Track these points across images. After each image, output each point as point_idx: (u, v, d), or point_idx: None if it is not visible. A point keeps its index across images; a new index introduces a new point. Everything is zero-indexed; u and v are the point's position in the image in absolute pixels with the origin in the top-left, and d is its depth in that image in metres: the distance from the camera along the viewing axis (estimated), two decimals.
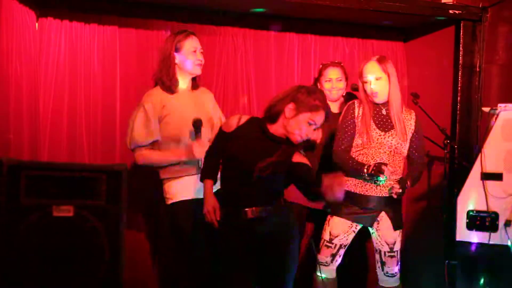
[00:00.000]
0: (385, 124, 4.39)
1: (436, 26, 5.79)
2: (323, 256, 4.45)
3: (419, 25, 5.88)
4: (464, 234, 4.72)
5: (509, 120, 4.63)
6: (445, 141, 5.14)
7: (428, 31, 5.90)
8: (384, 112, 4.40)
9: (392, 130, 4.36)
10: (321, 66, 5.21)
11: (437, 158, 5.61)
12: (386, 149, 4.36)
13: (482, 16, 5.55)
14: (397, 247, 4.41)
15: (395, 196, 4.30)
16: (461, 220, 4.74)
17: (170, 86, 4.38)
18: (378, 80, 4.34)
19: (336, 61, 5.24)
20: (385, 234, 4.39)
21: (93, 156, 5.13)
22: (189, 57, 4.40)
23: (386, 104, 4.41)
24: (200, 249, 4.30)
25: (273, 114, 3.71)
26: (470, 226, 4.70)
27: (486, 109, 4.90)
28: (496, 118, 4.68)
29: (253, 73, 5.60)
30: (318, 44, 5.85)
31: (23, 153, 4.67)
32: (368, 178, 4.29)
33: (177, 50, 4.39)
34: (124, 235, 3.57)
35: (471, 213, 4.70)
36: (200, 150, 4.15)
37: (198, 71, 4.46)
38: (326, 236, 4.44)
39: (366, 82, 4.37)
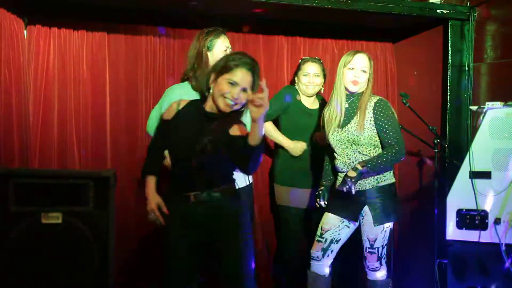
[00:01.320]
0: (342, 120, 4.40)
1: (425, 26, 5.82)
2: (314, 250, 4.47)
3: (408, 25, 5.90)
4: (454, 232, 4.74)
5: (496, 118, 4.65)
6: (435, 140, 5.17)
7: (417, 31, 5.93)
8: (346, 105, 4.43)
9: (348, 125, 4.38)
10: (300, 60, 5.25)
11: (427, 157, 5.63)
12: (346, 144, 4.38)
13: (470, 15, 5.57)
14: (378, 244, 4.36)
15: (344, 190, 4.24)
16: (451, 219, 4.76)
17: (203, 83, 4.36)
18: (362, 73, 4.37)
19: (316, 58, 5.29)
20: (367, 230, 4.37)
21: (84, 162, 5.14)
22: (220, 56, 4.30)
23: (352, 96, 4.42)
24: None
25: (202, 92, 3.66)
26: (460, 224, 4.72)
27: (473, 108, 4.92)
28: (483, 117, 4.70)
29: None
30: (307, 46, 5.87)
31: (14, 160, 4.67)
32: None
33: (209, 49, 4.39)
34: (113, 240, 3.57)
35: (461, 211, 4.72)
36: None
37: None
38: (318, 231, 4.47)
39: (351, 69, 4.37)
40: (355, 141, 4.34)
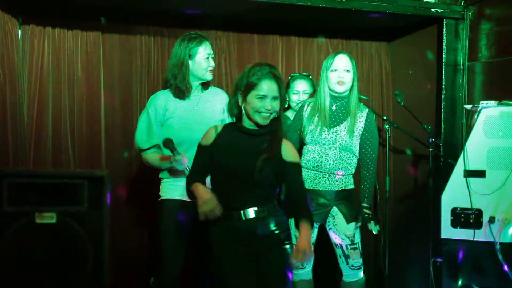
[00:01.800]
0: (331, 121, 4.43)
1: (419, 25, 5.83)
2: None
3: (403, 24, 5.90)
4: (449, 231, 4.74)
5: (490, 117, 4.65)
6: (430, 139, 5.18)
7: (411, 31, 5.93)
8: (334, 107, 4.45)
9: (337, 127, 4.41)
10: (289, 77, 5.24)
11: (422, 157, 5.64)
12: (331, 145, 4.41)
13: (464, 14, 5.58)
14: (357, 239, 4.44)
15: (375, 232, 4.43)
16: (446, 218, 4.76)
17: (184, 92, 4.34)
18: (346, 72, 4.41)
19: (305, 73, 5.27)
20: (343, 228, 4.42)
21: (78, 162, 5.14)
22: (202, 63, 4.36)
23: (341, 98, 4.45)
24: (175, 251, 4.31)
25: (234, 115, 3.70)
26: (455, 223, 4.72)
27: (468, 107, 4.92)
28: (478, 115, 4.70)
29: (237, 76, 5.58)
30: (301, 46, 5.87)
31: (8, 161, 4.67)
32: None
33: (191, 56, 4.35)
34: (108, 240, 3.56)
35: (455, 210, 4.72)
36: (180, 162, 4.14)
37: (210, 77, 4.43)
38: (293, 239, 4.42)
39: (335, 70, 4.41)
40: (341, 145, 4.40)
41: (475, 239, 4.63)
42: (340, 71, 4.40)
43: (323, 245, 4.58)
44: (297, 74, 5.27)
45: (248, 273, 3.63)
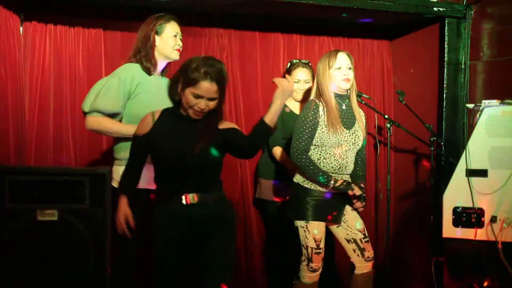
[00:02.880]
0: (348, 121, 4.43)
1: (421, 24, 5.82)
2: (316, 263, 4.39)
3: (404, 23, 5.90)
4: (451, 230, 4.73)
5: (492, 116, 4.64)
6: (432, 138, 5.18)
7: (413, 29, 5.93)
8: (344, 107, 4.44)
9: (353, 127, 4.42)
10: (289, 64, 5.20)
11: (424, 155, 5.64)
12: (350, 146, 4.42)
13: (466, 13, 5.57)
14: (366, 231, 4.51)
15: (360, 209, 4.46)
16: (448, 217, 4.76)
17: (148, 68, 4.34)
18: (349, 70, 4.40)
19: (305, 61, 5.21)
20: (355, 223, 4.46)
21: (79, 159, 5.13)
22: (169, 41, 4.37)
23: (344, 99, 4.45)
24: (132, 249, 4.32)
25: (175, 99, 3.67)
26: (456, 222, 4.72)
27: (470, 106, 4.92)
28: (480, 115, 4.70)
29: (239, 73, 5.61)
30: (303, 43, 5.87)
31: (9, 157, 4.67)
32: (332, 189, 4.36)
33: (158, 33, 4.37)
34: (109, 238, 3.56)
35: (457, 209, 4.72)
36: None
37: (176, 56, 4.43)
38: (311, 243, 4.38)
39: (339, 68, 4.39)
40: (358, 144, 4.43)
41: (476, 239, 4.63)
42: (344, 68, 4.39)
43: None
44: (297, 61, 5.19)
45: (187, 258, 3.73)
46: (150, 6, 5.22)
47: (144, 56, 4.33)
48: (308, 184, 4.39)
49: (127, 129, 4.23)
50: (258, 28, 5.71)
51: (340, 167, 4.39)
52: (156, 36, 4.36)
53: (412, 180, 5.83)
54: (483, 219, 4.63)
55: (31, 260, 3.40)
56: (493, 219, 4.59)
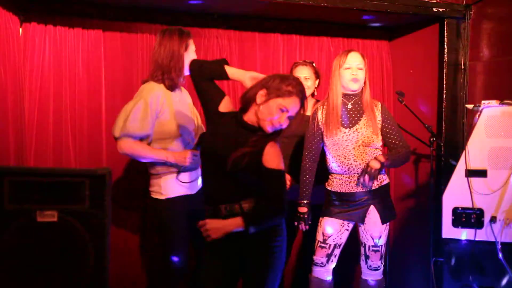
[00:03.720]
0: (348, 120, 4.42)
1: (421, 25, 5.83)
2: (318, 257, 4.47)
3: (404, 23, 5.90)
4: (450, 231, 4.73)
5: (492, 117, 4.64)
6: (431, 139, 5.19)
7: (413, 30, 5.93)
8: (349, 106, 4.44)
9: (356, 125, 4.40)
10: (293, 65, 5.23)
11: (423, 156, 5.64)
12: (354, 144, 4.40)
13: (466, 14, 5.58)
14: (382, 241, 4.44)
15: (361, 181, 4.33)
16: (447, 217, 4.75)
17: (177, 84, 4.37)
18: (359, 70, 4.41)
19: (308, 61, 5.23)
20: (371, 228, 4.42)
21: (79, 160, 5.13)
22: (192, 56, 4.38)
23: (354, 96, 4.44)
24: (185, 245, 4.39)
25: (245, 102, 3.52)
26: (456, 223, 4.71)
27: (469, 106, 4.92)
28: (479, 115, 4.70)
29: None
30: (303, 44, 5.87)
31: (9, 158, 4.67)
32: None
33: (185, 49, 4.38)
34: (109, 239, 3.56)
35: (456, 210, 4.71)
36: (177, 159, 4.26)
37: None
38: (319, 237, 4.47)
39: (348, 68, 4.41)
40: (365, 142, 4.38)
41: (476, 239, 4.62)
42: (354, 68, 4.40)
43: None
44: (300, 61, 5.23)
45: (216, 271, 3.61)
46: (149, 7, 5.24)
47: (176, 74, 4.33)
48: (329, 186, 4.52)
49: (158, 154, 4.29)
50: (257, 29, 5.71)
51: (349, 168, 4.40)
52: (184, 52, 4.37)
53: (411, 180, 5.83)
54: (482, 219, 4.62)
55: (31, 261, 3.40)
56: (493, 220, 4.58)
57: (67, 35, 5.14)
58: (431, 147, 5.20)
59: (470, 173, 4.66)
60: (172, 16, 5.35)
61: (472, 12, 5.58)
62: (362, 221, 4.43)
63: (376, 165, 4.28)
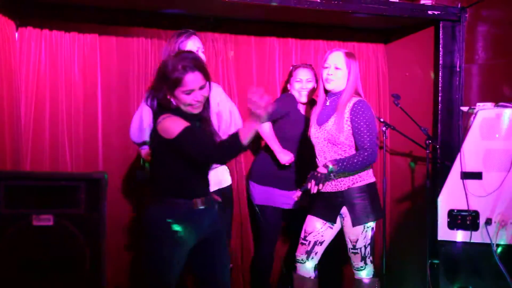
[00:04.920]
0: (322, 118, 4.44)
1: (416, 27, 5.83)
2: (299, 253, 4.49)
3: (399, 26, 5.91)
4: (446, 233, 4.75)
5: (487, 119, 4.66)
6: (427, 141, 5.19)
7: (408, 32, 5.94)
8: (327, 103, 4.46)
9: (326, 123, 4.40)
10: (291, 67, 5.26)
11: (419, 158, 5.65)
12: (322, 142, 4.41)
13: (461, 16, 5.59)
14: (360, 244, 4.37)
15: (308, 187, 4.23)
16: (443, 219, 4.77)
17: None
18: (336, 70, 4.39)
19: (307, 64, 5.27)
20: (347, 231, 4.39)
21: (75, 164, 5.13)
22: None
23: (334, 95, 4.44)
24: None
25: (170, 106, 3.47)
26: (452, 225, 4.73)
27: (464, 109, 4.93)
28: (474, 117, 4.71)
29: (234, 78, 5.62)
30: (299, 48, 5.87)
31: (5, 162, 4.67)
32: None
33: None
34: (105, 242, 3.57)
35: (452, 212, 4.73)
36: None
37: None
38: (302, 234, 4.49)
39: (326, 68, 4.42)
40: (332, 140, 4.37)
41: (472, 241, 4.64)
42: (331, 68, 4.40)
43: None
44: (299, 64, 5.29)
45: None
46: (145, 11, 5.25)
47: None
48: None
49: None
50: (253, 33, 5.72)
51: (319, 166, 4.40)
52: None
53: (407, 183, 5.84)
54: (478, 221, 4.64)
55: (27, 265, 3.41)
56: (488, 222, 4.60)
57: (63, 40, 5.15)
58: (427, 150, 5.21)
59: (466, 176, 4.68)
60: (168, 20, 5.36)
61: (467, 15, 5.60)
62: (333, 222, 4.42)
63: (322, 170, 4.24)
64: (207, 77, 3.48)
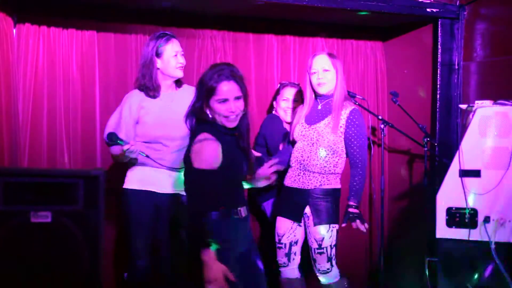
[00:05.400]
0: (313, 118, 4.44)
1: (414, 25, 5.84)
2: (279, 258, 4.48)
3: (398, 24, 5.91)
4: (444, 231, 4.74)
5: (485, 117, 4.65)
6: (425, 139, 5.19)
7: (407, 30, 5.94)
8: (319, 107, 4.46)
9: (317, 124, 4.40)
10: (279, 85, 5.26)
11: (417, 156, 5.65)
12: (308, 142, 4.41)
13: (460, 14, 5.59)
14: (326, 243, 4.36)
15: (363, 231, 4.42)
16: (441, 217, 4.76)
17: (153, 92, 4.40)
18: (325, 72, 4.40)
19: (295, 82, 5.29)
20: (312, 231, 4.38)
21: (73, 161, 5.13)
22: (171, 61, 4.39)
23: (326, 97, 4.45)
24: (165, 249, 4.45)
25: (203, 117, 3.48)
26: (450, 223, 4.72)
27: (463, 106, 4.93)
28: (473, 115, 4.70)
29: None
30: (297, 45, 5.88)
31: (3, 159, 4.66)
32: None
33: (158, 55, 4.38)
34: (103, 239, 3.56)
35: (450, 210, 4.72)
36: (130, 150, 4.24)
37: (180, 74, 4.46)
38: (276, 238, 4.48)
39: (313, 73, 4.42)
40: (319, 141, 4.38)
41: (470, 239, 4.63)
42: (319, 72, 4.40)
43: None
44: (287, 82, 5.28)
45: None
46: (144, 8, 5.24)
47: (148, 81, 4.38)
48: (284, 181, 4.52)
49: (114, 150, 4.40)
50: (252, 30, 5.72)
51: (298, 161, 4.42)
52: (157, 58, 4.38)
53: (405, 180, 5.84)
54: (476, 219, 4.63)
55: (25, 262, 3.39)
56: (486, 220, 4.59)
57: (61, 36, 5.14)
58: (425, 147, 5.21)
59: (464, 173, 4.67)
60: (166, 16, 5.35)
61: (465, 13, 5.60)
62: (298, 221, 4.42)
63: (354, 210, 4.38)
64: (243, 90, 3.46)
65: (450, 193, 4.72)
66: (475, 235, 4.63)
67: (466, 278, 4.64)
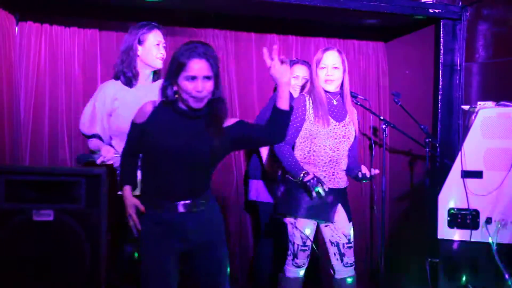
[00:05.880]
0: (338, 114, 4.39)
1: (417, 26, 5.83)
2: (301, 260, 4.40)
3: (400, 24, 5.90)
4: (446, 232, 4.74)
5: (488, 118, 4.65)
6: (427, 140, 5.18)
7: (409, 31, 5.93)
8: (335, 102, 4.42)
9: (343, 121, 4.38)
10: (289, 62, 5.20)
11: (419, 157, 5.65)
12: (341, 139, 4.36)
13: (462, 15, 5.58)
14: (353, 237, 4.45)
15: (371, 174, 4.42)
16: (443, 218, 4.76)
17: (130, 79, 4.30)
18: (334, 69, 4.35)
19: (305, 60, 5.19)
20: (343, 226, 4.39)
21: (75, 159, 5.11)
22: (152, 50, 4.31)
23: (336, 95, 4.42)
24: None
25: (168, 99, 3.37)
26: (452, 223, 4.73)
27: (465, 107, 4.93)
28: (475, 116, 4.70)
29: (234, 75, 5.61)
30: (299, 45, 5.87)
31: (5, 157, 4.66)
32: (299, 183, 4.25)
33: (140, 42, 4.31)
34: (105, 238, 3.56)
35: (452, 211, 4.72)
36: (106, 158, 4.12)
37: (159, 64, 4.36)
38: (298, 241, 4.36)
39: (323, 68, 4.35)
40: (349, 137, 4.38)
41: (471, 240, 4.64)
42: (329, 68, 4.34)
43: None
44: (297, 59, 5.20)
45: (173, 271, 3.40)
46: (145, 6, 5.23)
47: (126, 67, 4.29)
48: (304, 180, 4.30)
49: (93, 146, 4.34)
50: (253, 29, 5.71)
51: (331, 160, 4.34)
52: (138, 45, 4.30)
53: (407, 181, 5.83)
54: (478, 220, 4.63)
55: (27, 260, 3.40)
56: (488, 221, 4.60)
57: (63, 34, 5.14)
58: (427, 148, 5.20)
59: (466, 174, 4.67)
60: (168, 15, 5.34)
61: (468, 13, 5.59)
62: (333, 220, 4.39)
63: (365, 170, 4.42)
64: (215, 70, 3.31)
65: (452, 194, 4.73)
66: (477, 236, 4.64)
67: (467, 279, 4.64)
